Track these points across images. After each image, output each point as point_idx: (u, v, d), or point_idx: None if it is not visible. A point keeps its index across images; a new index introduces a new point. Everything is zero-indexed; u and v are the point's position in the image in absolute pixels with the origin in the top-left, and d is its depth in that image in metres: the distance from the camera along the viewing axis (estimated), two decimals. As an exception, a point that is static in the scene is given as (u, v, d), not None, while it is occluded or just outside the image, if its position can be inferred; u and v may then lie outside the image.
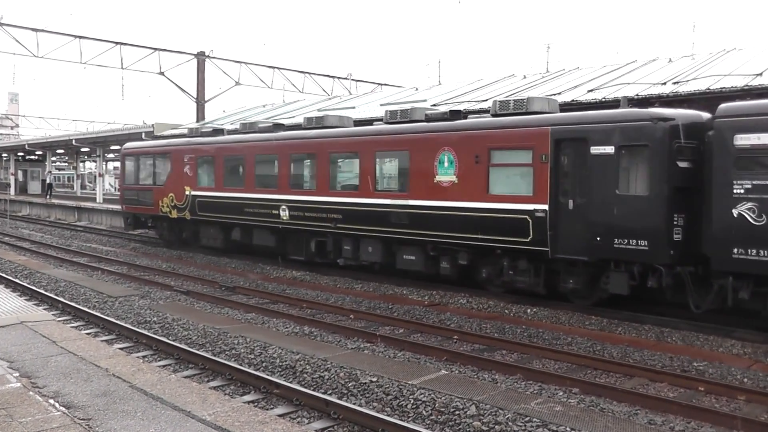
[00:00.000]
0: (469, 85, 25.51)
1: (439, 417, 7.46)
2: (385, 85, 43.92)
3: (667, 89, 15.92)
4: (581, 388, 8.79)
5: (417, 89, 29.86)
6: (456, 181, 14.55)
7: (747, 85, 14.42)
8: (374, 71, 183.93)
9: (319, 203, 17.44)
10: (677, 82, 16.41)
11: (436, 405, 7.69)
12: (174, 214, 22.66)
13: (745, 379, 9.14)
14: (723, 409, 8.08)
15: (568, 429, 6.90)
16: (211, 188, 21.15)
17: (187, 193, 21.92)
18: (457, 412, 7.46)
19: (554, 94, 18.47)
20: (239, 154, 20.39)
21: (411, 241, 15.65)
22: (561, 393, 8.56)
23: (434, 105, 21.68)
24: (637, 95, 15.98)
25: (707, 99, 15.47)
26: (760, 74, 14.93)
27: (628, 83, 17.80)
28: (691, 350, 10.62)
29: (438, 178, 14.88)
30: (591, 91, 17.88)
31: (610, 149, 12.19)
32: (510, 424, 7.06)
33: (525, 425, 7.03)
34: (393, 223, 15.75)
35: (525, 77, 24.43)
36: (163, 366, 9.47)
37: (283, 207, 18.29)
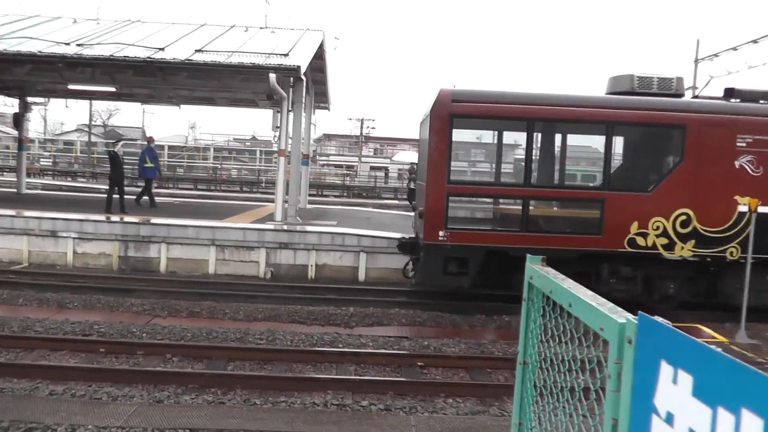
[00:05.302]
0: None
1: None
2: None
3: (71, 50, 15.62)
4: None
5: None
6: None
7: (150, 57, 15.23)
8: None
9: None
10: (81, 45, 16.24)
11: None
12: (681, 251, 10.92)
13: (144, 335, 9.81)
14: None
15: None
16: None
17: None
18: None
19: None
20: None
21: None
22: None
23: None
24: (40, 52, 15.26)
25: (110, 65, 15.85)
26: (162, 49, 15.92)
27: (32, 38, 16.83)
28: (91, 314, 10.85)
29: None
30: (-11, 40, 16.29)
31: None
32: None
33: None
34: None
35: None
36: None
37: None
